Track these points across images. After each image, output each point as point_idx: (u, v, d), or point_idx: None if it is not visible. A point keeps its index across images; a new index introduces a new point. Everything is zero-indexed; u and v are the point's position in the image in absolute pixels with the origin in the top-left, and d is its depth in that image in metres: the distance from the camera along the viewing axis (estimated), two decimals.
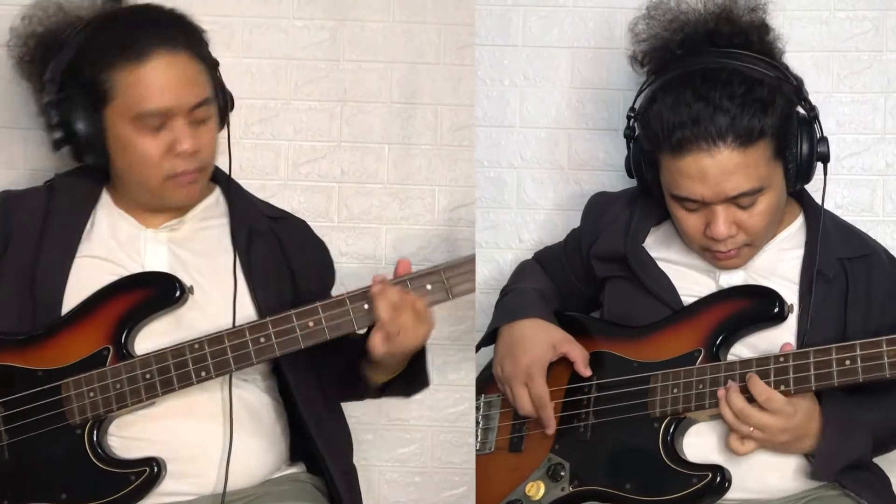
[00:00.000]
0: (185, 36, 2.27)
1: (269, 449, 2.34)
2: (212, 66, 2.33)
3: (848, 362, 2.17)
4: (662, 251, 2.43)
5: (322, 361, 2.36)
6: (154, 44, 2.23)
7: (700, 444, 2.28)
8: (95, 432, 2.22)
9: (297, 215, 2.57)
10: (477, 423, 2.51)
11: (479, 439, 2.50)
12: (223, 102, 2.36)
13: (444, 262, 2.27)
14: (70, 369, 2.23)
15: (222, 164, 2.44)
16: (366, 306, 2.23)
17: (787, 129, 2.27)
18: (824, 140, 2.33)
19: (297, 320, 2.23)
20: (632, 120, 2.40)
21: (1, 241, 2.33)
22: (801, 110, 2.33)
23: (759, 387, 2.18)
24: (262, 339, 2.24)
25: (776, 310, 2.28)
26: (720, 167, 2.22)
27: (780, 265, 2.36)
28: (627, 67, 2.67)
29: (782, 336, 2.28)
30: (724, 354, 2.30)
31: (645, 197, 2.46)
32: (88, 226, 2.34)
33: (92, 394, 2.21)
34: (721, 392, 2.21)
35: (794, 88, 2.31)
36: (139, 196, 2.32)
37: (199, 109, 2.26)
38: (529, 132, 2.85)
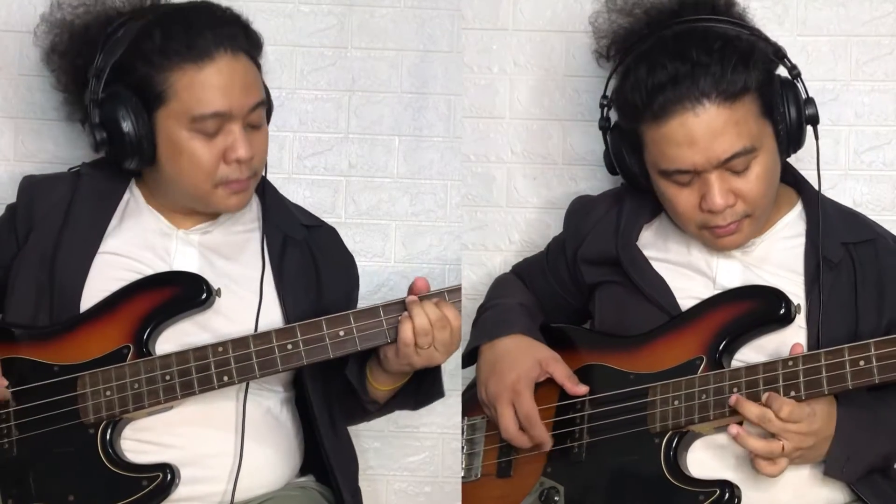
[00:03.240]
0: (245, 36, 2.31)
1: (286, 460, 2.38)
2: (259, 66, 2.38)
3: (862, 363, 2.14)
4: (656, 250, 2.41)
5: (329, 374, 2.40)
6: (217, 44, 2.25)
7: (705, 458, 2.26)
8: (109, 433, 2.23)
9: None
10: (461, 448, 2.47)
11: (463, 465, 2.46)
12: (269, 105, 2.40)
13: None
14: (87, 366, 2.25)
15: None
16: (400, 318, 2.24)
17: (770, 86, 2.27)
18: (811, 101, 2.31)
19: (328, 328, 2.24)
20: (605, 108, 2.42)
21: (23, 229, 2.36)
22: (782, 72, 2.33)
23: (777, 402, 2.15)
24: (290, 346, 2.25)
25: (782, 311, 2.25)
26: (708, 127, 2.20)
27: (781, 255, 2.35)
28: None
29: (790, 334, 2.26)
30: (727, 361, 2.27)
31: (632, 193, 2.45)
32: (115, 221, 2.37)
33: (108, 392, 2.23)
34: (734, 430, 2.16)
35: (772, 47, 2.32)
36: (183, 201, 2.35)
37: (254, 113, 2.29)
38: (520, 124, 2.80)
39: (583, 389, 2.33)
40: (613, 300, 2.42)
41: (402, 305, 2.24)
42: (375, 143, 2.77)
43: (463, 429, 2.47)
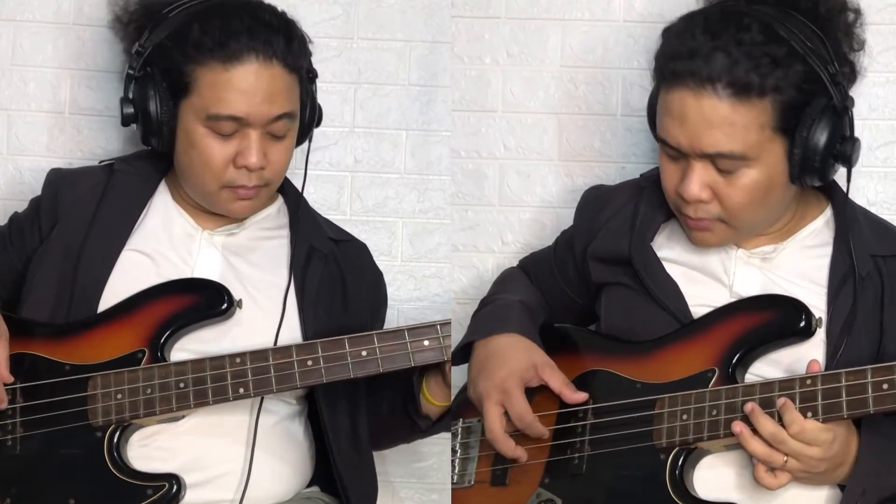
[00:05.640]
0: (286, 44, 2.33)
1: (295, 473, 2.40)
2: (309, 78, 2.42)
3: (885, 386, 2.07)
4: (670, 251, 2.37)
5: (374, 390, 2.43)
6: (250, 48, 2.29)
7: (714, 478, 2.21)
8: (117, 438, 2.24)
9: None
10: (454, 451, 2.44)
11: (456, 470, 2.42)
12: (310, 117, 2.43)
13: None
14: (100, 367, 2.27)
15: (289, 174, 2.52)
16: (426, 342, 2.26)
17: (799, 104, 2.17)
18: (852, 140, 2.22)
19: (350, 347, 2.26)
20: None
21: (48, 222, 2.40)
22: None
23: (790, 415, 2.10)
24: (310, 362, 2.26)
25: (802, 324, 2.20)
26: (702, 114, 2.16)
27: (804, 265, 2.30)
28: (627, 42, 2.69)
29: (810, 348, 2.21)
30: (741, 375, 2.22)
31: (652, 186, 2.41)
32: (142, 217, 2.41)
33: (119, 395, 2.25)
34: (737, 427, 2.12)
35: (830, 72, 2.19)
36: (192, 196, 2.42)
37: (277, 123, 2.33)
38: (513, 118, 2.77)
39: (581, 397, 2.30)
40: (621, 303, 2.39)
41: (428, 329, 2.25)
42: (382, 138, 2.76)
43: (457, 431, 2.44)
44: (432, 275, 2.75)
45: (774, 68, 2.14)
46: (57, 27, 2.67)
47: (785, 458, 2.10)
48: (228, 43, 2.27)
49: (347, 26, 2.74)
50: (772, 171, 2.20)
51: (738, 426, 2.12)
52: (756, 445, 2.11)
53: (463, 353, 2.43)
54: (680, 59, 2.17)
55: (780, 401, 2.11)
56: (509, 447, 2.29)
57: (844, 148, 2.20)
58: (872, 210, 2.49)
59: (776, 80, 2.14)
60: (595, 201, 2.49)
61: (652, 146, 2.66)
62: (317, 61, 2.65)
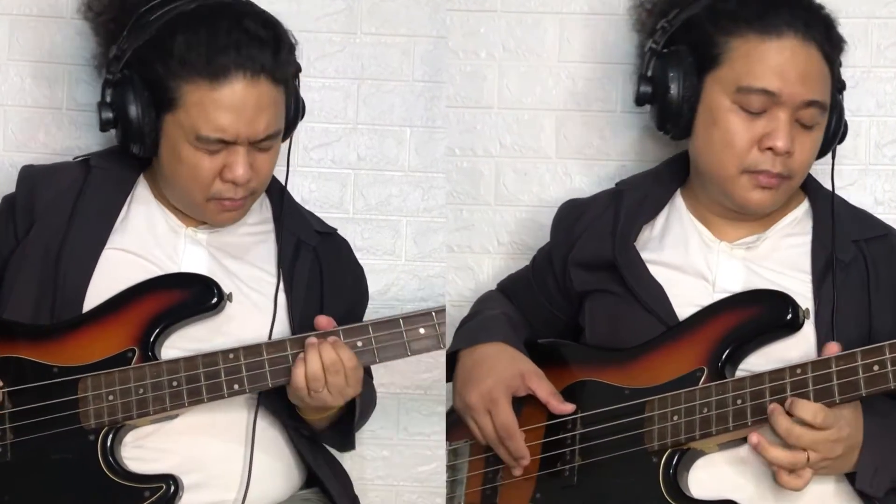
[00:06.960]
0: (272, 54, 2.30)
1: (290, 472, 2.40)
2: (293, 74, 2.38)
3: (876, 367, 2.09)
4: (652, 252, 2.38)
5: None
6: (238, 65, 2.25)
7: (709, 479, 2.22)
8: (110, 440, 2.24)
9: (306, 206, 2.62)
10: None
11: (444, 494, 2.44)
12: (294, 112, 2.41)
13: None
14: (89, 369, 2.26)
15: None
16: (421, 330, 2.25)
17: (836, 73, 2.33)
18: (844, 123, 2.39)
19: (345, 338, 2.25)
20: (665, 31, 2.35)
21: (24, 222, 2.37)
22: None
23: (800, 404, 2.10)
24: None
25: (789, 316, 2.21)
26: (807, 65, 2.25)
27: (787, 253, 2.34)
28: (628, 37, 2.63)
29: (798, 340, 2.22)
30: (731, 372, 2.23)
31: (630, 190, 2.44)
32: (122, 214, 2.39)
33: (111, 397, 2.24)
34: (754, 439, 2.11)
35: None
36: (177, 204, 2.40)
37: (264, 141, 2.31)
38: (510, 114, 2.75)
39: (568, 408, 2.31)
40: (606, 311, 2.40)
41: (423, 317, 2.24)
42: (385, 135, 2.75)
43: (445, 454, 2.45)
44: (436, 274, 2.75)
45: (828, 27, 2.29)
46: (55, 21, 2.66)
47: (807, 455, 2.09)
48: (216, 59, 2.23)
49: (350, 21, 2.72)
50: (822, 132, 2.31)
51: (755, 437, 2.12)
52: (777, 453, 2.11)
53: (447, 367, 2.44)
54: (781, 13, 2.24)
55: (789, 401, 2.10)
56: (520, 445, 2.30)
57: (843, 126, 2.36)
58: (879, 209, 2.57)
59: (833, 44, 2.29)
60: (571, 212, 2.50)
61: (653, 143, 2.68)
62: (319, 57, 2.73)
